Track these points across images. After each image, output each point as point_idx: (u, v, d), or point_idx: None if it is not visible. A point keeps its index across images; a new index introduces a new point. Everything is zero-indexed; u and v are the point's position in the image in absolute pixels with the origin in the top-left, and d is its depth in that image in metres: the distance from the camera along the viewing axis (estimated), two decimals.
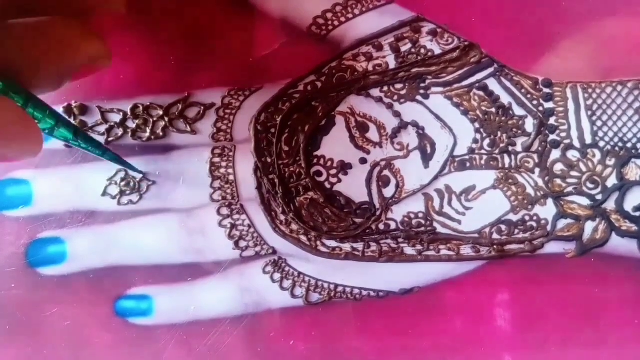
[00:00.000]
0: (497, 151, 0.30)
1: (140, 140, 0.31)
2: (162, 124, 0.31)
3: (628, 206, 0.29)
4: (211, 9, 0.31)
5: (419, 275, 0.30)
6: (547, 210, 0.30)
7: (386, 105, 0.30)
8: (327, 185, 0.30)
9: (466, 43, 0.30)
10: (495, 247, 0.30)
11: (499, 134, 0.30)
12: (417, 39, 0.30)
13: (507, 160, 0.30)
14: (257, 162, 0.30)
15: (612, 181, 0.29)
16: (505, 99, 0.30)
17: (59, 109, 0.30)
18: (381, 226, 0.30)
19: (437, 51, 0.30)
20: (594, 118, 0.30)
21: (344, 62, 0.30)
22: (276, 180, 0.30)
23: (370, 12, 0.31)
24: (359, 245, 0.30)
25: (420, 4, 0.31)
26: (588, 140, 0.30)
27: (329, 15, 0.31)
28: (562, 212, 0.29)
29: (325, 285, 0.30)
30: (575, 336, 0.29)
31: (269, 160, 0.30)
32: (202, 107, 0.30)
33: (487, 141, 0.30)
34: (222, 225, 0.30)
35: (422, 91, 0.30)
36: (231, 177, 0.30)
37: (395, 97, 0.30)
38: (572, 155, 0.30)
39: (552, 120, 0.30)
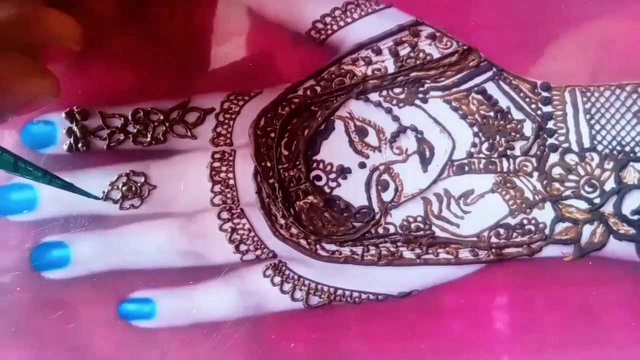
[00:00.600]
0: (495, 155, 0.30)
1: (141, 145, 0.31)
2: (162, 128, 0.31)
3: (626, 209, 0.29)
4: (209, 13, 0.31)
5: (418, 278, 0.30)
6: (545, 214, 0.30)
7: (385, 110, 0.30)
8: (327, 190, 0.30)
9: (465, 47, 0.30)
10: (493, 250, 0.30)
11: (498, 137, 0.30)
12: (416, 43, 0.31)
13: (505, 164, 0.30)
14: (256, 166, 0.30)
15: (610, 185, 0.30)
16: (503, 102, 0.30)
17: (61, 115, 0.31)
18: (380, 230, 0.30)
19: (436, 55, 0.30)
20: (592, 122, 0.30)
21: (343, 66, 0.31)
22: (276, 185, 0.30)
23: (369, 17, 0.31)
24: (358, 249, 0.30)
25: (419, 8, 0.31)
26: (586, 143, 0.30)
27: (328, 19, 0.31)
28: (560, 215, 0.30)
29: (325, 288, 0.30)
30: (573, 339, 0.30)
31: (268, 164, 0.30)
32: (202, 112, 0.31)
33: (485, 145, 0.30)
34: (222, 229, 0.30)
35: (420, 95, 0.30)
36: (231, 182, 0.31)
37: (394, 102, 0.30)
38: (571, 158, 0.30)
39: (550, 124, 0.30)
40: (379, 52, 0.31)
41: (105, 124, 0.31)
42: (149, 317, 0.31)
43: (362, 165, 0.30)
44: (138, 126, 0.31)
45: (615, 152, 0.30)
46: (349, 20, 0.31)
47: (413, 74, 0.30)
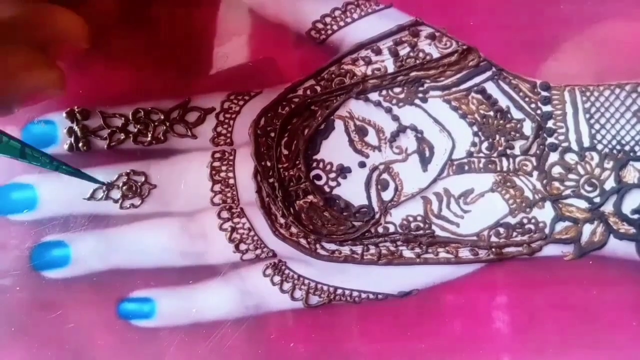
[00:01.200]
0: (495, 154, 0.30)
1: (142, 144, 0.31)
2: (163, 128, 0.31)
3: (626, 209, 0.29)
4: (209, 14, 0.31)
5: (418, 277, 0.30)
6: (545, 213, 0.30)
7: (385, 109, 0.30)
8: (327, 189, 0.30)
9: (464, 46, 0.30)
10: (493, 249, 0.30)
11: (497, 137, 0.30)
12: (416, 42, 0.31)
13: (505, 163, 0.30)
14: (256, 165, 0.30)
15: (610, 184, 0.30)
16: (503, 102, 0.30)
17: (62, 114, 0.31)
18: (380, 229, 0.30)
19: (436, 55, 0.31)
20: (592, 121, 0.30)
21: (343, 66, 0.31)
22: (276, 184, 0.30)
23: (369, 17, 0.31)
24: (358, 248, 0.30)
25: (419, 8, 0.31)
26: (586, 143, 0.30)
27: (328, 19, 0.31)
28: (560, 214, 0.30)
29: (325, 287, 0.30)
30: (573, 338, 0.30)
31: (268, 164, 0.30)
32: (202, 112, 0.31)
33: (485, 144, 0.30)
34: (222, 229, 0.30)
35: (420, 95, 0.30)
36: (231, 181, 0.31)
37: (394, 101, 0.30)
38: (570, 158, 0.30)
39: (550, 123, 0.30)
40: (378, 52, 0.31)
41: (105, 124, 0.31)
42: (149, 317, 0.31)
43: (362, 165, 0.30)
44: (138, 126, 0.31)
45: (615, 151, 0.30)
46: (348, 20, 0.31)
47: (413, 74, 0.30)
